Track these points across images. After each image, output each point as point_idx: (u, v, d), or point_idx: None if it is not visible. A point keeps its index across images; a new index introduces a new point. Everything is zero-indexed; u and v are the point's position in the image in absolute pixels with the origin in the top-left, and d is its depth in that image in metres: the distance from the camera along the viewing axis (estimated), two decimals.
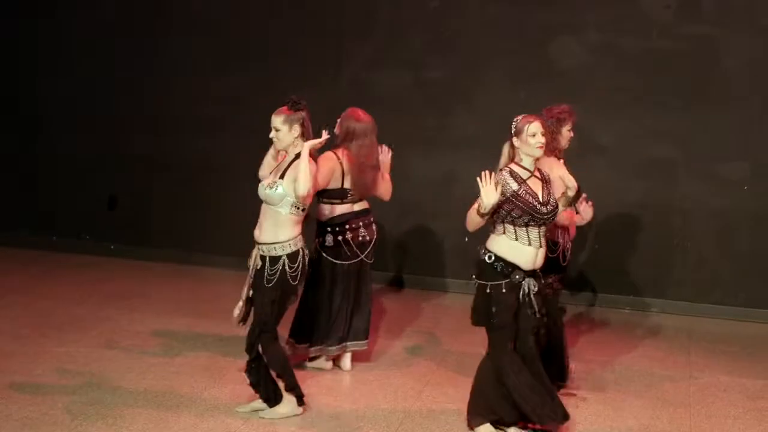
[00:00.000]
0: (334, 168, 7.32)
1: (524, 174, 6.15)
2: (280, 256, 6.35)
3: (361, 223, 7.50)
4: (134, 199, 11.14)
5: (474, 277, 6.24)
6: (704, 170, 9.66)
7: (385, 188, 7.69)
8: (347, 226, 7.43)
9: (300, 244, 6.45)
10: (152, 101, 10.93)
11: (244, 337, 7.94)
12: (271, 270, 6.35)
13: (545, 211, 6.11)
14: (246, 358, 6.57)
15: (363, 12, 10.39)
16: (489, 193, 5.94)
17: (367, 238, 7.51)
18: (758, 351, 8.69)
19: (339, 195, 7.41)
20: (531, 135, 6.10)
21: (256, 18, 10.59)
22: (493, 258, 6.11)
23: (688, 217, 9.73)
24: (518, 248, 6.10)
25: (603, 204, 8.73)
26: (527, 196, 6.07)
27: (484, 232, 6.27)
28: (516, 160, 6.20)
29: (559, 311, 7.38)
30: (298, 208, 6.37)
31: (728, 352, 8.58)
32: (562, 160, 7.09)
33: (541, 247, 6.16)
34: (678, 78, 9.64)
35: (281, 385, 6.51)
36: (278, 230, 6.35)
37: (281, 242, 6.35)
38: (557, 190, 6.59)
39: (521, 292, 6.12)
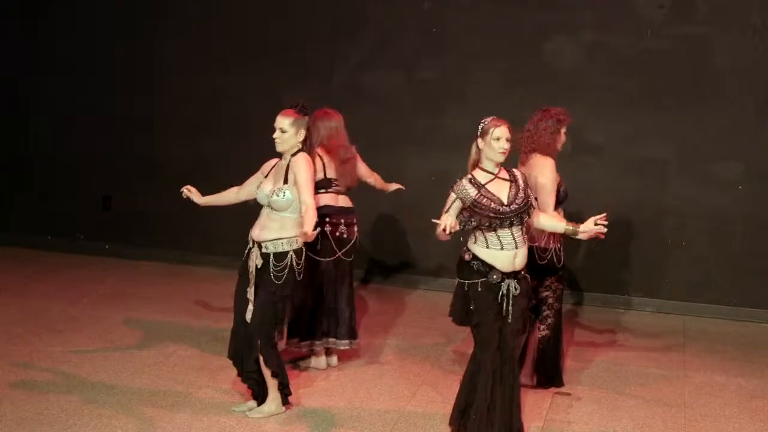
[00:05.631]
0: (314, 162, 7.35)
1: (485, 177, 6.06)
2: (287, 252, 6.35)
3: (342, 221, 7.54)
4: (129, 198, 11.13)
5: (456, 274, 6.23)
6: (698, 170, 9.67)
7: (374, 178, 8.02)
8: (327, 219, 7.43)
9: (302, 240, 6.47)
10: (147, 101, 10.92)
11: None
12: (278, 266, 6.34)
13: (508, 211, 5.99)
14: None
15: (355, 12, 10.38)
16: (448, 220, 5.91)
17: (345, 236, 7.54)
18: (753, 350, 8.70)
19: (323, 185, 7.45)
20: (495, 139, 6.01)
21: (251, 19, 10.59)
22: (471, 256, 6.07)
23: (682, 217, 9.74)
24: (491, 253, 6.03)
25: (597, 204, 8.70)
26: (485, 200, 5.97)
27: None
28: (480, 162, 6.11)
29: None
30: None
31: (723, 352, 8.59)
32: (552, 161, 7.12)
33: (517, 248, 6.05)
34: (671, 78, 9.65)
35: (273, 383, 6.51)
36: (285, 227, 6.34)
37: (287, 237, 6.34)
38: (539, 191, 6.79)
39: (500, 293, 6.06)
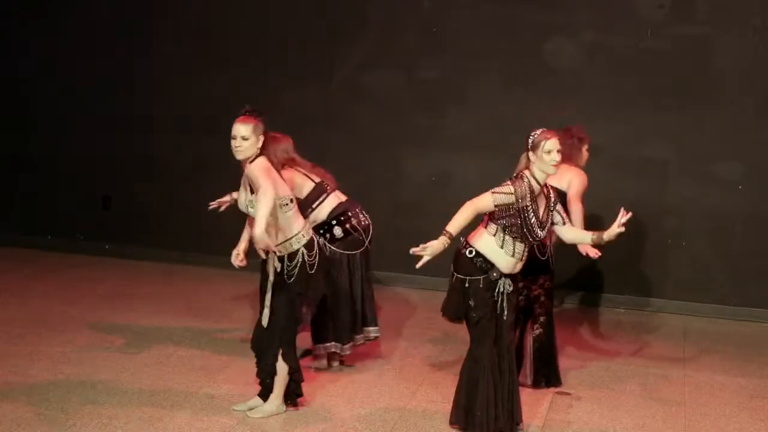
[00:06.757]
0: (294, 175, 7.38)
1: (536, 189, 6.07)
2: (298, 250, 6.35)
3: (357, 209, 7.62)
4: (129, 198, 11.12)
5: (452, 270, 6.24)
6: (698, 170, 9.68)
7: None
8: (349, 213, 7.53)
9: (311, 231, 6.52)
10: (147, 101, 10.92)
11: (238, 336, 7.97)
12: (290, 264, 6.34)
13: (539, 235, 6.09)
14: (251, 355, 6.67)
15: (355, 12, 10.39)
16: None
17: (367, 222, 7.63)
18: (753, 350, 8.71)
19: (319, 191, 7.50)
20: (546, 152, 5.98)
21: (251, 19, 10.59)
22: (474, 253, 6.10)
23: (682, 217, 9.75)
24: (500, 254, 6.09)
25: (597, 204, 8.77)
26: (531, 214, 6.01)
27: (471, 228, 6.24)
28: (530, 171, 6.08)
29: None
30: (288, 204, 6.34)
31: (723, 351, 8.59)
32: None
33: (522, 260, 6.16)
34: (671, 78, 9.66)
35: (280, 382, 6.51)
36: (287, 229, 6.34)
37: (295, 235, 6.35)
38: (570, 198, 7.06)
39: (497, 290, 6.12)
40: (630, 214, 6.22)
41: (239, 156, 6.21)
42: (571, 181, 7.33)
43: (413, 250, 5.98)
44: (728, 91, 9.58)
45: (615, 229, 6.19)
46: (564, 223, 6.30)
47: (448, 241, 5.97)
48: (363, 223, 7.58)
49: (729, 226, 9.68)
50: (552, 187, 6.35)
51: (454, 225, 5.98)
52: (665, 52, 9.65)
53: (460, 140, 10.10)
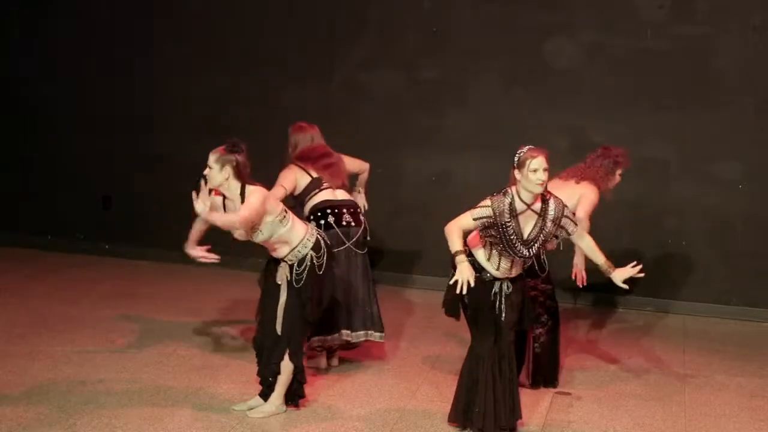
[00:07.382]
0: (295, 173, 7.48)
1: (520, 207, 5.94)
2: (306, 254, 6.38)
3: (345, 210, 7.54)
4: (129, 198, 11.13)
5: (451, 266, 6.23)
6: (698, 170, 9.68)
7: (357, 164, 7.92)
8: (329, 211, 7.47)
9: (315, 231, 6.52)
10: (147, 101, 10.93)
11: (238, 336, 7.97)
12: (299, 269, 6.39)
13: (523, 253, 6.00)
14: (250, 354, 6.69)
15: (355, 12, 10.39)
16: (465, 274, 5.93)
17: (353, 224, 7.53)
18: (753, 350, 8.71)
19: (314, 185, 7.51)
20: (532, 171, 5.83)
21: (251, 19, 10.59)
22: (468, 253, 6.08)
23: (682, 217, 9.75)
24: (488, 265, 6.10)
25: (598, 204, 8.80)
26: (510, 230, 5.92)
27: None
28: (517, 189, 5.97)
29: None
30: (285, 217, 6.36)
31: (723, 351, 8.59)
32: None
33: (510, 272, 6.12)
34: (671, 78, 9.66)
35: (282, 382, 6.52)
36: (291, 239, 6.37)
37: (301, 241, 6.38)
38: (581, 204, 6.92)
39: (492, 291, 6.13)
40: (642, 274, 6.21)
41: (209, 182, 6.30)
42: (585, 196, 7.12)
43: (460, 291, 5.96)
44: (728, 91, 9.58)
45: (619, 279, 6.22)
46: (570, 234, 6.16)
47: (465, 256, 5.97)
48: (344, 223, 7.49)
49: (729, 226, 9.69)
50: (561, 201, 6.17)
51: (456, 244, 5.98)
52: (665, 52, 9.65)
53: (460, 140, 10.10)
